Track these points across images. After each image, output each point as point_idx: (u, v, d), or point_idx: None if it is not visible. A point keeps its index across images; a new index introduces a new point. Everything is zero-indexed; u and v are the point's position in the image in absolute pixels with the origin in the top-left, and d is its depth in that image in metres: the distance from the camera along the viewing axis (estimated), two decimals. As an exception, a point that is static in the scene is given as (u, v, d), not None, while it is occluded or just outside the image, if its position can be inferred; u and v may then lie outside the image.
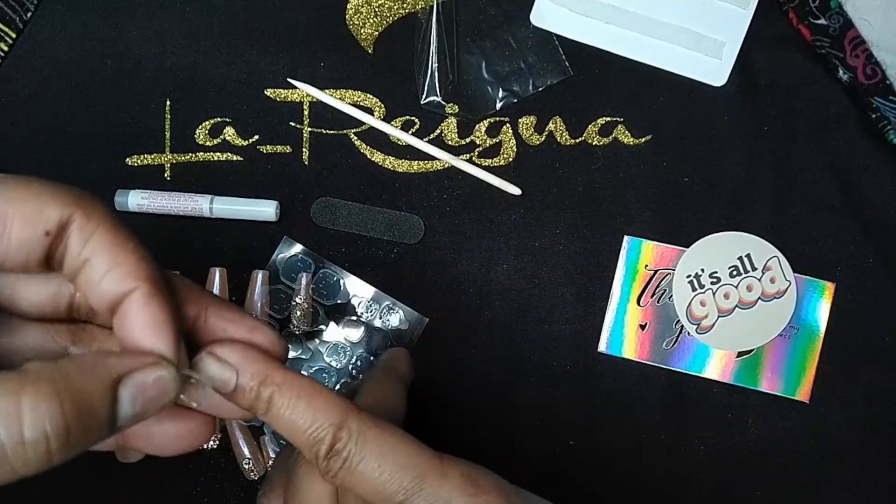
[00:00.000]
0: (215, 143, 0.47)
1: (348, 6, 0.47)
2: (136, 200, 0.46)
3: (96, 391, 0.21)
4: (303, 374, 0.27)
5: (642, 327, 0.47)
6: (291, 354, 0.47)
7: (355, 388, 0.36)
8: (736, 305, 0.46)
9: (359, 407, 0.27)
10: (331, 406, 0.26)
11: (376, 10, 0.47)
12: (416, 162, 0.47)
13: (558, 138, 0.47)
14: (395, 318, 0.47)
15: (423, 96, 0.47)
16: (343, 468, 0.26)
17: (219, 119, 0.47)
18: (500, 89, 0.47)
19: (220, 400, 0.27)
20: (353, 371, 0.47)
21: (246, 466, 0.45)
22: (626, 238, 0.47)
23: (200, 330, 0.27)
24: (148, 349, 0.23)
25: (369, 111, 0.47)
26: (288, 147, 0.47)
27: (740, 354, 0.47)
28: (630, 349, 0.47)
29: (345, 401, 0.26)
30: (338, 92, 0.47)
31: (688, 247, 0.46)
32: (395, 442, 0.26)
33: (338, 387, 0.47)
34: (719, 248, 0.46)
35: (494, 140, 0.47)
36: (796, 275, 0.46)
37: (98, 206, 0.24)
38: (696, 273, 0.46)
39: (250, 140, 0.47)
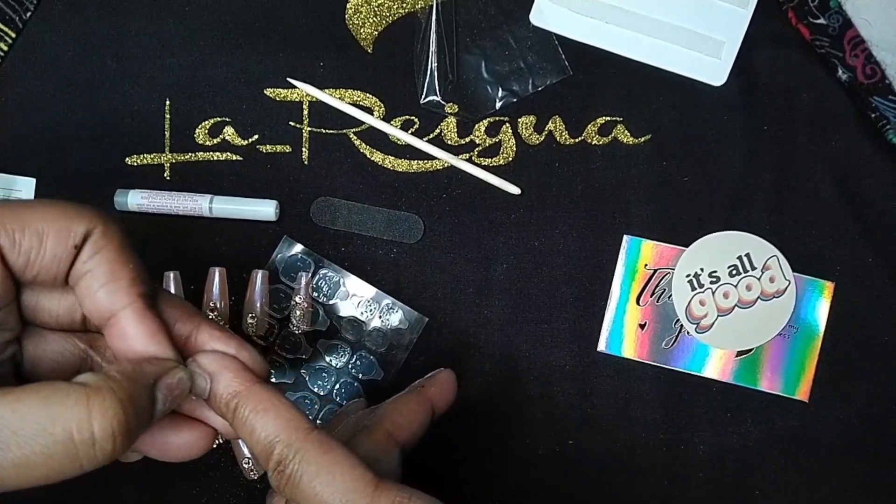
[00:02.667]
0: (215, 142, 0.47)
1: (348, 6, 0.47)
2: (136, 200, 0.46)
3: (143, 394, 0.25)
4: (271, 389, 0.28)
5: (642, 327, 0.47)
6: (291, 354, 0.47)
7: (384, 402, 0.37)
8: (735, 305, 0.46)
9: (312, 426, 0.28)
10: (282, 423, 0.27)
11: (376, 9, 0.47)
12: (416, 161, 0.47)
13: (558, 138, 0.47)
14: (395, 317, 0.47)
15: (423, 96, 0.47)
16: (287, 484, 0.27)
17: (218, 119, 0.47)
18: (500, 89, 0.47)
19: (209, 412, 0.29)
20: (353, 371, 0.47)
21: (246, 466, 0.45)
22: (625, 237, 0.47)
23: (192, 347, 0.29)
24: (152, 356, 0.27)
25: (369, 111, 0.47)
26: (288, 147, 0.47)
27: (739, 354, 0.47)
28: (629, 348, 0.47)
29: (299, 419, 0.28)
30: (337, 91, 0.47)
31: (687, 246, 0.46)
32: (335, 465, 0.27)
33: (337, 386, 0.47)
34: (719, 248, 0.46)
35: (494, 139, 0.47)
36: (796, 274, 0.46)
37: (113, 226, 0.27)
38: (696, 272, 0.46)
39: (250, 140, 0.47)
